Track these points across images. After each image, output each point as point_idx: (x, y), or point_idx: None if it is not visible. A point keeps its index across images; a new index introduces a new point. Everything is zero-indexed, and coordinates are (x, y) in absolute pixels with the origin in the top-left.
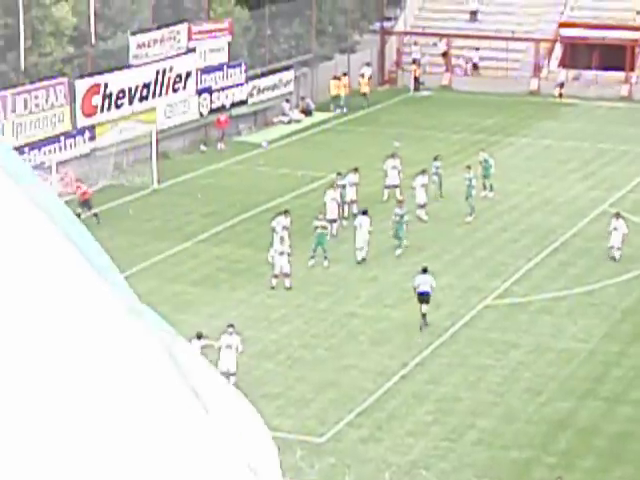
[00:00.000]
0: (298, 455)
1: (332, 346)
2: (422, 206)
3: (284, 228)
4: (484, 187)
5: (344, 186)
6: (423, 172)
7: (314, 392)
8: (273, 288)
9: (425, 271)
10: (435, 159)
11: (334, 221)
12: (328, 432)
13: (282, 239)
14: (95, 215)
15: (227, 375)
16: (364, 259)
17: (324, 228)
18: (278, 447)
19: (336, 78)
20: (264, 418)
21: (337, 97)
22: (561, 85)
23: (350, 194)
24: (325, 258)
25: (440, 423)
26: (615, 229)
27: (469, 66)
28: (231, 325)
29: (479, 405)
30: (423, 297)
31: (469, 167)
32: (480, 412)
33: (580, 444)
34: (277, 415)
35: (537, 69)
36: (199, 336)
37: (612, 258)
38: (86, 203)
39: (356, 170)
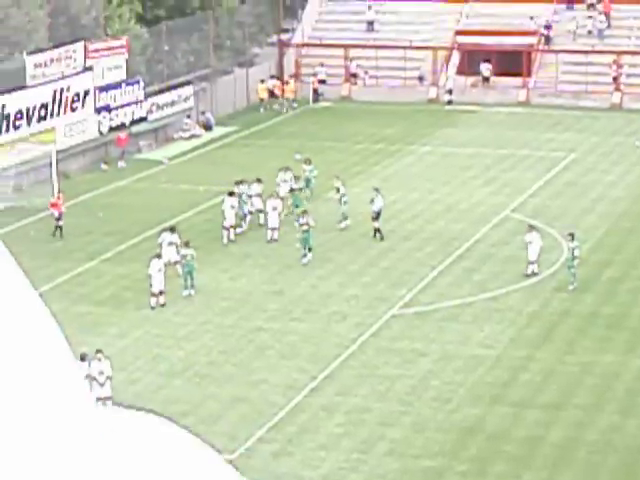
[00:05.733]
0: None
1: (240, 362)
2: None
3: (170, 244)
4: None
5: (250, 196)
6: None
7: (224, 408)
8: (153, 308)
9: (377, 192)
10: (305, 162)
11: (232, 227)
12: (239, 448)
13: (159, 256)
14: (57, 228)
15: (104, 400)
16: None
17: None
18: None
19: (262, 82)
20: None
21: (262, 100)
22: (450, 92)
23: (256, 204)
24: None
25: (350, 435)
26: (530, 243)
27: (367, 77)
28: (99, 351)
29: (389, 415)
30: (378, 215)
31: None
32: (390, 422)
33: (490, 450)
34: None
35: (435, 77)
36: (82, 358)
37: (528, 275)
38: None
39: (259, 180)
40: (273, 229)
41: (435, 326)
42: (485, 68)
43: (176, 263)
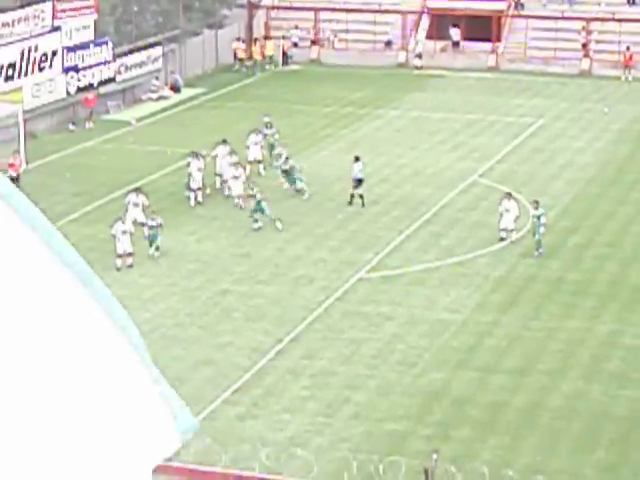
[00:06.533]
0: None
1: (206, 324)
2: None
3: (135, 205)
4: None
5: (215, 157)
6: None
7: (189, 371)
8: (119, 270)
9: (358, 159)
10: (267, 126)
11: (199, 189)
12: (204, 411)
13: (122, 218)
14: None
15: None
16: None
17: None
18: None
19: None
20: None
21: (242, 60)
22: (419, 56)
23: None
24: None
25: (316, 398)
26: (507, 210)
27: (336, 39)
28: None
29: (354, 379)
30: (359, 182)
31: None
32: (355, 386)
33: (455, 415)
34: None
35: (404, 41)
36: None
37: (502, 239)
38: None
39: (225, 142)
40: (238, 196)
41: (401, 290)
42: (454, 33)
43: (143, 224)
